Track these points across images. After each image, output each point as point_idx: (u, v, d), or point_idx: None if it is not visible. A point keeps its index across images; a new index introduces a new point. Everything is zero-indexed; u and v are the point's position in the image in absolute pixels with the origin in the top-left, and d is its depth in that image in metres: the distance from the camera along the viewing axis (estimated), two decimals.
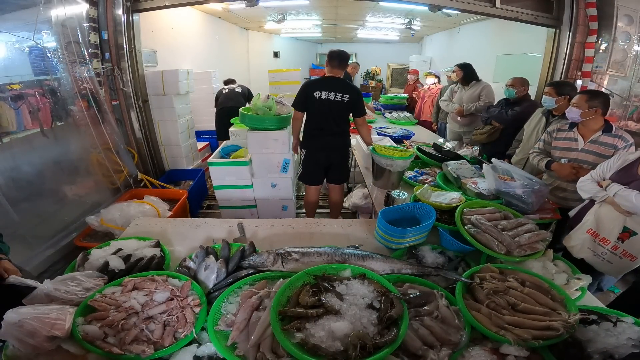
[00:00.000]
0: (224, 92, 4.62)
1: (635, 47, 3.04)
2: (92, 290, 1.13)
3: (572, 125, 2.03)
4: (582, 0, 3.12)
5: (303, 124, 2.69)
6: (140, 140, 3.57)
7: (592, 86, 3.14)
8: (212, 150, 4.50)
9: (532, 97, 3.21)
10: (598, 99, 1.89)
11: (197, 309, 1.07)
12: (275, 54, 9.02)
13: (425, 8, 3.69)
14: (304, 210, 3.20)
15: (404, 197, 1.80)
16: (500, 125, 2.99)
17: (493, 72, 5.20)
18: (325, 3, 5.38)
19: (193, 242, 1.57)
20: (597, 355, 0.91)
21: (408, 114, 4.80)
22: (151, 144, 3.78)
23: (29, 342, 0.90)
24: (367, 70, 10.25)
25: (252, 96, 4.54)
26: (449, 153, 2.60)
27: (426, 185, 2.02)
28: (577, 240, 1.65)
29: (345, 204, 3.37)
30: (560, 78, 3.29)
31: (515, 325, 0.98)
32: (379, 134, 3.49)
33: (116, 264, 1.30)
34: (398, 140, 3.30)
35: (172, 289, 1.13)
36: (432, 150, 2.67)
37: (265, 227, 1.75)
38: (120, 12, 3.09)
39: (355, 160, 3.21)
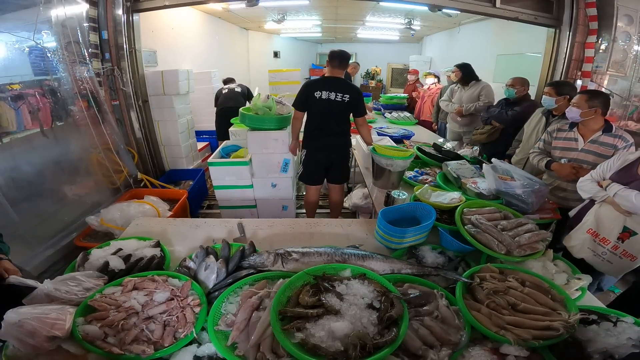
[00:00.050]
0: (223, 92, 4.62)
1: (635, 47, 3.04)
2: (92, 290, 1.13)
3: (572, 125, 2.03)
4: (582, 0, 3.12)
5: (303, 124, 2.69)
6: (140, 140, 3.57)
7: (592, 86, 3.14)
8: (212, 150, 4.50)
9: (532, 97, 3.21)
10: (598, 99, 1.89)
11: (197, 309, 1.07)
12: (275, 54, 9.01)
13: (425, 8, 3.70)
14: (304, 210, 3.20)
15: (404, 197, 1.80)
16: (500, 125, 2.99)
17: (493, 72, 5.20)
18: (325, 3, 5.38)
19: (193, 242, 1.57)
20: (597, 355, 0.91)
21: (408, 114, 4.80)
22: (151, 144, 3.78)
23: (29, 342, 0.90)
24: (367, 70, 10.25)
25: (252, 95, 4.54)
26: (449, 153, 2.60)
27: (426, 185, 2.02)
28: (577, 240, 1.65)
29: (346, 204, 3.37)
30: (560, 78, 3.29)
31: (515, 325, 0.98)
32: (379, 134, 3.49)
33: (116, 264, 1.30)
34: (398, 140, 3.31)
35: (172, 289, 1.13)
36: (432, 150, 2.68)
37: (265, 227, 1.75)
38: (120, 12, 3.09)
39: (355, 160, 3.21)
